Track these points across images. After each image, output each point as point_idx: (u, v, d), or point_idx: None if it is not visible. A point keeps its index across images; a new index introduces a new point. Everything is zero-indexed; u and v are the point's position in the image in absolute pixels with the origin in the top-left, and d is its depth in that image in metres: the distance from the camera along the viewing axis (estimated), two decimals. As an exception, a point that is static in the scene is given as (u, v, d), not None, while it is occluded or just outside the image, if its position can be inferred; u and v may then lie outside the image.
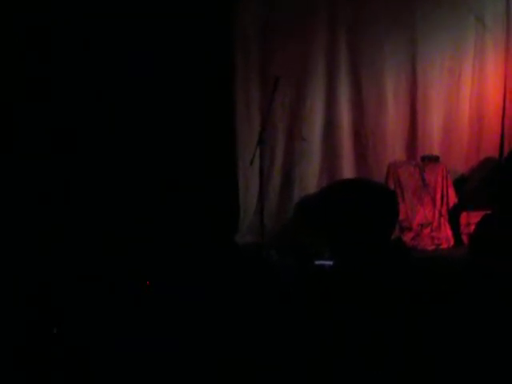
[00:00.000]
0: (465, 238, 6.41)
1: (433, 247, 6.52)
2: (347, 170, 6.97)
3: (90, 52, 6.34)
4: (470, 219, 6.31)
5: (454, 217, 6.60)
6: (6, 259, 4.96)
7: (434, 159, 6.75)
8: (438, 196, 6.62)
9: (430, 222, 6.60)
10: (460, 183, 6.86)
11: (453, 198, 6.65)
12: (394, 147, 7.03)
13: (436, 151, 6.90)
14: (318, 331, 2.31)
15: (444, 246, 6.55)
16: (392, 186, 6.46)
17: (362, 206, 2.41)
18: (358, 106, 7.02)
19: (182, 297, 3.60)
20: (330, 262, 2.51)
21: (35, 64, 6.24)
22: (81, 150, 6.35)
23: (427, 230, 6.60)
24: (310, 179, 6.98)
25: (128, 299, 3.90)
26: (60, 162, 6.25)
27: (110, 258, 5.14)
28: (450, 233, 6.58)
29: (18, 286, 4.38)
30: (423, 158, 6.78)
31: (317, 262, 4.57)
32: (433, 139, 7.01)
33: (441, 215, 6.60)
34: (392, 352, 2.24)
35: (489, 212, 4.75)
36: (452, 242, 6.56)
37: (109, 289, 4.15)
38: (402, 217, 6.46)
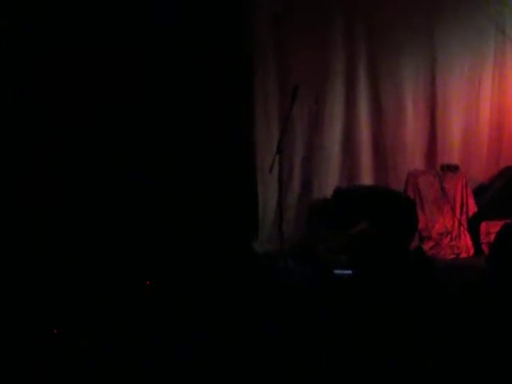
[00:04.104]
0: (485, 247, 6.38)
1: (452, 256, 6.50)
2: (366, 179, 6.96)
3: None
4: (490, 228, 6.29)
5: (473, 226, 6.58)
6: (7, 259, 5.01)
7: (453, 168, 6.74)
8: (458, 205, 6.61)
9: (449, 231, 6.58)
10: (480, 192, 6.84)
11: (472, 207, 6.63)
12: (413, 156, 7.02)
13: (456, 160, 6.89)
14: (331, 337, 2.33)
15: (463, 255, 6.52)
16: (411, 195, 6.46)
17: (381, 215, 2.43)
18: (378, 114, 7.02)
19: (190, 299, 3.62)
20: (349, 271, 2.51)
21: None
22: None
23: (447, 239, 6.58)
24: (329, 188, 6.97)
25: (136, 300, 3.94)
26: (64, 162, 6.25)
27: (124, 260, 5.19)
28: (469, 242, 6.56)
29: (18, 286, 4.42)
30: (443, 167, 6.77)
31: (336, 272, 4.57)
32: (452, 148, 7.00)
33: (460, 224, 6.58)
34: (410, 358, 2.25)
35: (509, 221, 4.73)
36: (472, 251, 6.54)
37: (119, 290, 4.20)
38: (421, 226, 6.46)
